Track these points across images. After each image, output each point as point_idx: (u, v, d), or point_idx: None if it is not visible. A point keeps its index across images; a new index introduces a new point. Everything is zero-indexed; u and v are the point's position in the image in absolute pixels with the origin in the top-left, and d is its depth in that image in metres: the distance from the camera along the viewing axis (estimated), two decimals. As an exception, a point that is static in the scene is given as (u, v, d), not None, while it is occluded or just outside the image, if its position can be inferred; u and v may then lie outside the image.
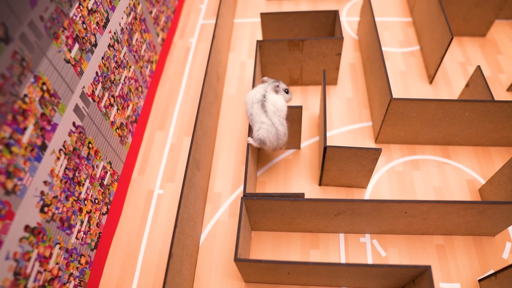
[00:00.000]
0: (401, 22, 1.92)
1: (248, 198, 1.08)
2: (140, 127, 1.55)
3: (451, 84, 1.65)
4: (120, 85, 1.40)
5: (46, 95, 0.99)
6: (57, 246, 1.02)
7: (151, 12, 1.67)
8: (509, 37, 1.81)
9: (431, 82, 1.65)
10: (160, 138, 1.56)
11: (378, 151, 1.15)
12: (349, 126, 1.53)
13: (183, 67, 1.80)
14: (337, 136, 1.50)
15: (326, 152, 1.18)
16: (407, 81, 1.67)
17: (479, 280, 1.18)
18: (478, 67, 1.36)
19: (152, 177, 1.46)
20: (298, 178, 1.40)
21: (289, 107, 1.26)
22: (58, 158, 1.03)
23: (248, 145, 1.21)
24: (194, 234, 1.23)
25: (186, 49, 1.88)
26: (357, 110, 1.58)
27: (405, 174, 1.40)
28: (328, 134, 1.51)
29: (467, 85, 1.44)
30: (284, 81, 1.63)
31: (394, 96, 1.61)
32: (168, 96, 1.69)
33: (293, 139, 1.41)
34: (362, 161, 1.21)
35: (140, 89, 1.56)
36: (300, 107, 1.26)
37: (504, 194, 1.22)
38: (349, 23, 1.93)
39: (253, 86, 1.33)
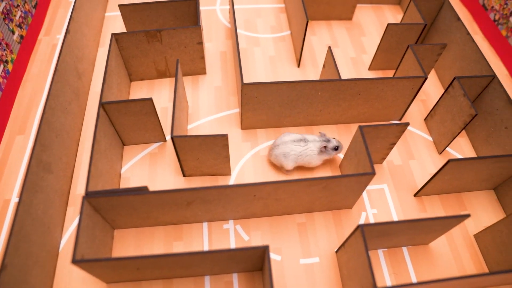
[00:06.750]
0: (274, 8, 1.95)
1: (90, 197, 1.04)
2: (-5, 133, 1.44)
3: (318, 66, 1.71)
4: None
5: None
6: None
7: None
8: (371, 20, 1.91)
9: (299, 65, 1.69)
10: (20, 143, 1.46)
11: (224, 137, 1.16)
12: (218, 114, 1.53)
13: (48, 65, 1.70)
14: (205, 124, 1.50)
15: (175, 142, 1.17)
16: (276, 65, 1.70)
17: (336, 251, 1.24)
18: (329, 48, 1.42)
19: (9, 185, 1.36)
20: (163, 171, 1.38)
21: (139, 100, 1.23)
22: None
23: (94, 142, 1.15)
24: (48, 240, 1.16)
25: (53, 46, 1.77)
26: (225, 98, 1.58)
27: (270, 157, 1.43)
28: (196, 123, 1.50)
29: (324, 66, 1.49)
30: (151, 74, 1.59)
31: (262, 81, 1.63)
32: (31, 98, 1.59)
33: (155, 132, 1.38)
34: (214, 148, 1.21)
35: (-8, 92, 1.45)
36: (149, 99, 1.23)
37: (353, 167, 1.29)
38: (222, 11, 1.92)
39: (104, 82, 1.27)
